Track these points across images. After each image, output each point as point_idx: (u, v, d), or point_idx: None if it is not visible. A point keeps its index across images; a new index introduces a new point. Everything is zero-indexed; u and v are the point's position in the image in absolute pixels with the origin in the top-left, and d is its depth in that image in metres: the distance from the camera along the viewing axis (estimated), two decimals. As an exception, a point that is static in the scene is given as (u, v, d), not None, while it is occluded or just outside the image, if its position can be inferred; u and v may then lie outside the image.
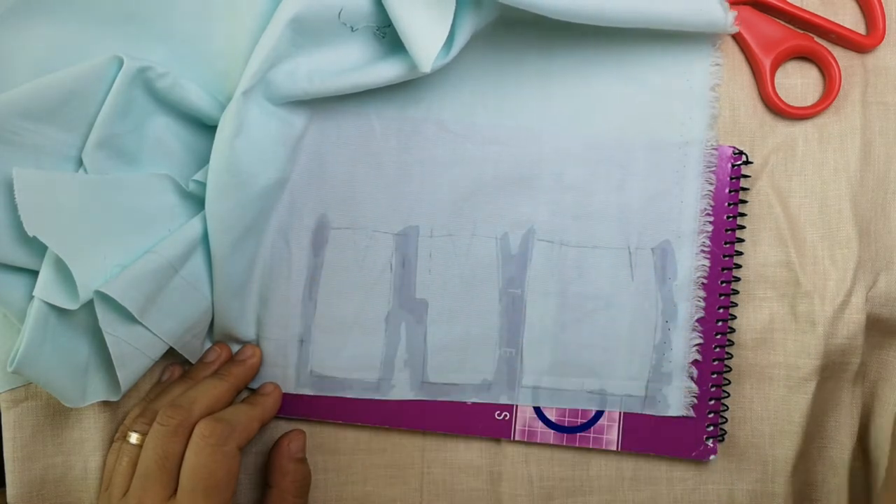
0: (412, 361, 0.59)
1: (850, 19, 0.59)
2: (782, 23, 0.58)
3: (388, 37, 0.55)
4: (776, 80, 0.59)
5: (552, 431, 0.59)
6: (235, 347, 0.59)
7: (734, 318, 0.59)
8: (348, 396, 0.59)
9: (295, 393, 0.59)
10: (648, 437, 0.59)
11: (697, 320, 0.58)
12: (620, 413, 0.59)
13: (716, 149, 0.58)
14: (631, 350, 0.58)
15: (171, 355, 0.56)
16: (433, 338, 0.59)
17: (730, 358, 0.59)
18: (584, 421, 0.59)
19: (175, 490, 0.51)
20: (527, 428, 0.59)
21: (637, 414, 0.59)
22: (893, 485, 0.53)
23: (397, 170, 0.58)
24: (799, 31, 0.59)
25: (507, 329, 0.59)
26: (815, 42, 0.58)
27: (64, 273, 0.50)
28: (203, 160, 0.54)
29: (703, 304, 0.58)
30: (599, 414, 0.59)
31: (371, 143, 0.58)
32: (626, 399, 0.59)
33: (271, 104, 0.54)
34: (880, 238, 0.59)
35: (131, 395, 0.59)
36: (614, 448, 0.59)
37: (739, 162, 0.58)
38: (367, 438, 0.60)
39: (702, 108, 0.58)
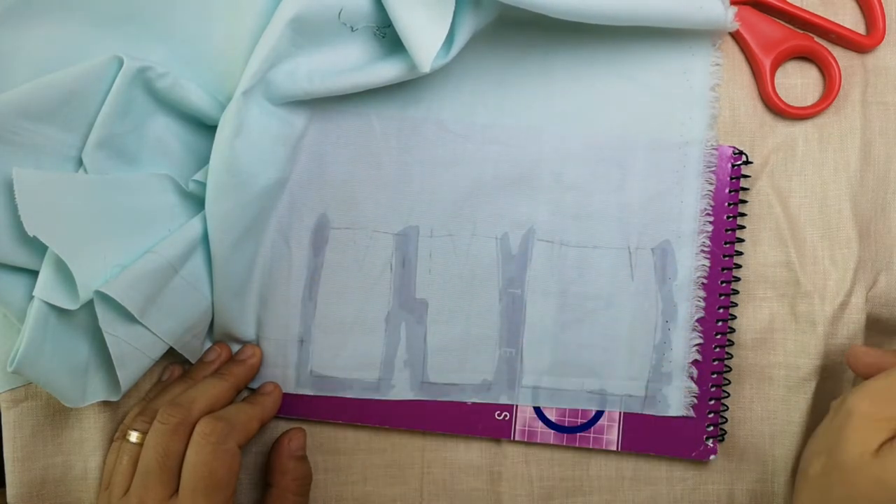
0: (412, 361, 0.59)
1: (850, 19, 0.59)
2: (782, 23, 0.58)
3: (388, 37, 0.55)
4: (776, 80, 0.59)
5: (552, 431, 0.59)
6: (235, 347, 0.59)
7: (734, 318, 0.59)
8: (348, 396, 0.59)
9: (295, 393, 0.59)
10: (648, 437, 0.59)
11: (697, 320, 0.58)
12: (620, 413, 0.59)
13: (716, 149, 0.58)
14: (631, 350, 0.58)
15: (171, 355, 0.56)
16: (433, 338, 0.59)
17: (730, 358, 0.59)
18: (584, 421, 0.59)
19: (176, 489, 0.51)
20: (527, 428, 0.59)
21: (637, 414, 0.59)
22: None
23: (397, 170, 0.58)
24: (799, 31, 0.59)
25: (507, 329, 0.59)
26: (815, 42, 0.58)
27: (64, 273, 0.50)
28: (203, 160, 0.54)
29: (703, 304, 0.58)
30: (599, 414, 0.59)
31: (371, 143, 0.58)
32: (626, 399, 0.59)
33: (271, 104, 0.54)
34: (880, 238, 0.59)
35: (131, 395, 0.59)
36: (614, 448, 0.59)
37: (739, 162, 0.58)
38: (367, 438, 0.60)
39: (702, 108, 0.58)
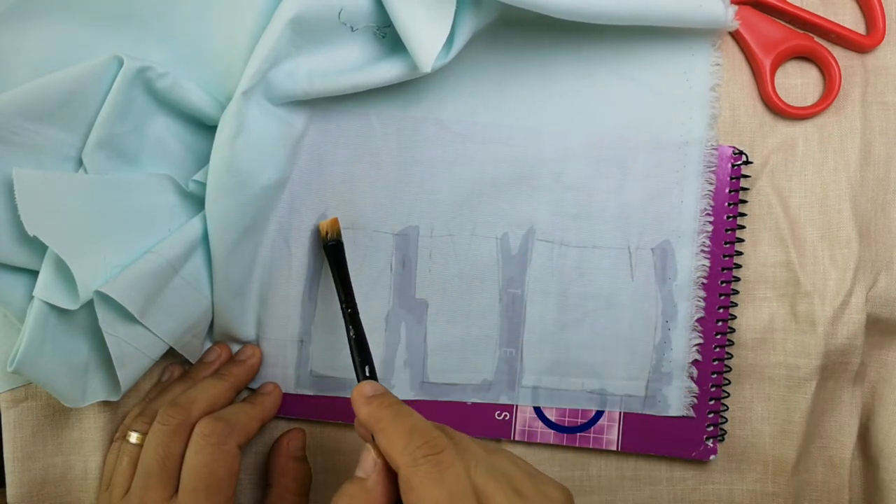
0: (412, 361, 0.59)
1: (850, 19, 0.59)
2: (782, 23, 0.58)
3: (389, 37, 0.55)
4: (776, 80, 0.59)
5: (552, 431, 0.59)
6: (235, 347, 0.59)
7: (734, 318, 0.59)
8: (348, 396, 0.59)
9: (295, 393, 0.59)
10: (648, 437, 0.59)
11: (697, 320, 0.58)
12: (620, 413, 0.59)
13: (716, 149, 0.58)
14: (631, 350, 0.58)
15: (171, 355, 0.56)
16: (433, 338, 0.59)
17: (730, 358, 0.59)
18: (584, 421, 0.59)
19: (176, 489, 0.51)
20: (527, 428, 0.59)
21: (637, 414, 0.59)
22: None
23: (397, 170, 0.58)
24: (799, 31, 0.59)
25: (507, 329, 0.59)
26: (815, 42, 0.58)
27: (64, 273, 0.50)
28: (203, 160, 0.54)
29: (703, 304, 0.58)
30: (599, 414, 0.59)
31: (371, 143, 0.58)
32: (626, 399, 0.59)
33: (271, 104, 0.54)
34: (880, 238, 0.59)
35: (131, 395, 0.59)
36: (614, 448, 0.59)
37: (739, 162, 0.58)
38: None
39: (702, 108, 0.58)
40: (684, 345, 0.58)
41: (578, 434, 0.59)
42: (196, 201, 0.55)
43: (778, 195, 0.59)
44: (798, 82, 0.59)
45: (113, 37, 0.54)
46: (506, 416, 0.59)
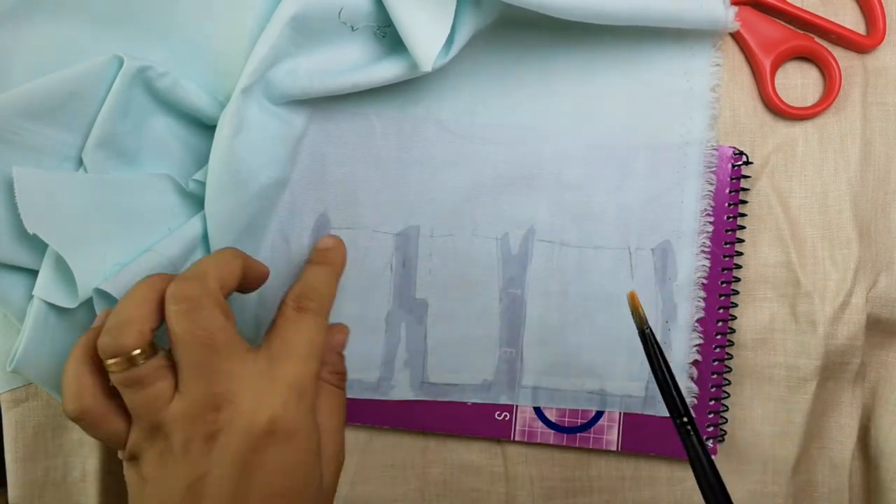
0: (412, 361, 0.59)
1: (850, 19, 0.59)
2: (782, 23, 0.58)
3: (389, 36, 0.55)
4: (776, 81, 0.59)
5: (552, 432, 0.59)
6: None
7: (734, 318, 0.59)
8: (348, 397, 0.59)
9: None
10: (648, 437, 0.59)
11: (697, 320, 0.58)
12: (620, 413, 0.59)
13: (716, 149, 0.58)
14: (631, 350, 0.58)
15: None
16: (433, 338, 0.59)
17: (730, 358, 0.59)
18: (584, 421, 0.59)
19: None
20: (527, 428, 0.59)
21: (637, 414, 0.59)
22: None
23: (397, 170, 0.58)
24: (799, 31, 0.59)
25: (507, 329, 0.59)
26: (815, 42, 0.58)
27: (63, 272, 0.50)
28: (203, 160, 0.54)
29: (702, 304, 0.58)
30: (599, 414, 0.59)
31: (371, 142, 0.58)
32: (626, 399, 0.59)
33: (271, 103, 0.54)
34: (880, 238, 0.59)
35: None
36: (614, 448, 0.59)
37: (740, 162, 0.58)
38: (367, 438, 0.61)
39: (702, 109, 0.58)
40: (684, 345, 0.58)
41: (578, 434, 0.59)
42: (196, 201, 0.55)
43: (778, 195, 0.59)
44: (798, 82, 0.59)
45: (113, 37, 0.54)
46: (506, 416, 0.59)
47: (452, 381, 0.59)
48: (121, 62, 0.51)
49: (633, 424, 0.59)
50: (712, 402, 0.58)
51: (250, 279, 0.50)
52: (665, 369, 0.47)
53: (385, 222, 0.59)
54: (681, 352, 0.58)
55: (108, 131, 0.52)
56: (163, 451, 0.44)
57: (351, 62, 0.55)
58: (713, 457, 0.58)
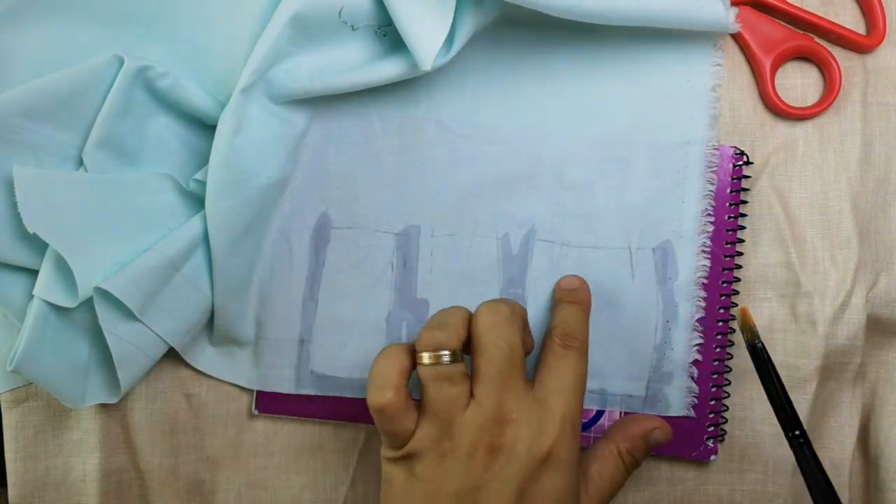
0: None
1: (850, 19, 0.59)
2: (782, 23, 0.58)
3: (389, 36, 0.55)
4: (776, 81, 0.59)
5: (553, 431, 0.59)
6: (234, 348, 0.59)
7: (734, 318, 0.59)
8: (349, 396, 0.59)
9: (295, 393, 0.59)
10: None
11: (698, 320, 0.58)
12: (621, 413, 0.59)
13: (717, 149, 0.58)
14: (631, 350, 0.58)
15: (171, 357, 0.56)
16: None
17: (730, 358, 0.59)
18: (585, 421, 0.59)
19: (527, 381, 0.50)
20: (528, 428, 0.59)
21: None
22: None
23: (398, 169, 0.58)
24: (799, 31, 0.59)
25: None
26: (815, 42, 0.58)
27: (63, 271, 0.50)
28: (204, 160, 0.54)
29: (703, 304, 0.58)
30: (600, 414, 0.59)
31: (372, 142, 0.58)
32: (626, 399, 0.59)
33: (272, 103, 0.54)
34: (881, 238, 0.59)
35: (131, 397, 0.59)
36: (614, 448, 0.59)
37: (740, 162, 0.58)
38: (366, 438, 0.61)
39: (703, 109, 0.58)
40: (685, 345, 0.58)
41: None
42: (197, 201, 0.55)
43: (778, 195, 0.59)
44: (798, 82, 0.59)
45: (113, 37, 0.54)
46: None
47: None
48: (121, 62, 0.51)
49: None
50: (713, 402, 0.58)
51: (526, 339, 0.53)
52: (778, 384, 0.49)
53: (386, 222, 0.59)
54: (681, 352, 0.58)
55: (108, 131, 0.52)
56: (445, 452, 0.47)
57: (351, 61, 0.55)
58: (714, 457, 0.58)
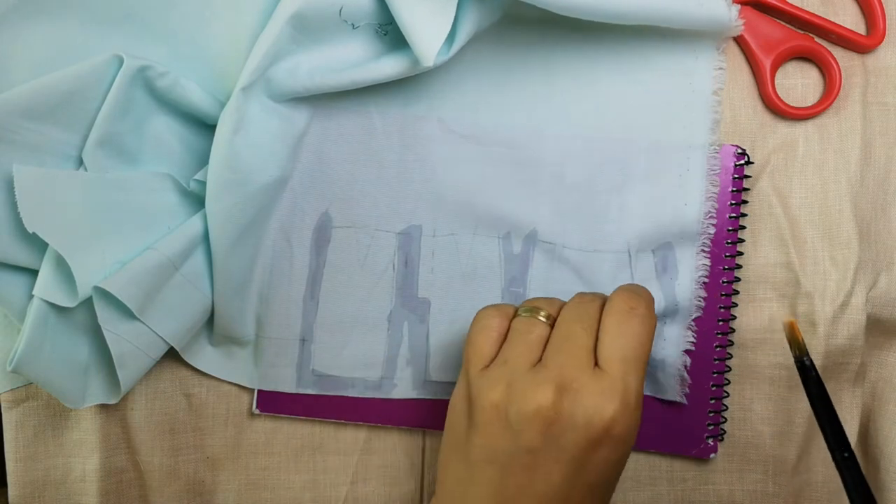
0: (414, 360, 0.59)
1: (850, 19, 0.59)
2: (782, 23, 0.58)
3: (390, 35, 0.55)
4: (776, 81, 0.59)
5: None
6: (233, 347, 0.59)
7: (734, 318, 0.59)
8: (350, 396, 0.59)
9: (296, 392, 0.59)
10: (649, 434, 0.59)
11: (695, 319, 0.58)
12: None
13: (718, 151, 0.58)
14: None
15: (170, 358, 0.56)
16: (435, 337, 0.59)
17: (730, 358, 0.59)
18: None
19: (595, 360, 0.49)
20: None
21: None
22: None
23: (399, 168, 0.58)
24: (799, 31, 0.59)
25: None
26: (815, 42, 0.58)
27: (64, 271, 0.50)
28: (204, 160, 0.54)
29: (703, 304, 0.58)
30: None
31: (373, 141, 0.58)
32: None
33: (272, 101, 0.54)
34: (881, 238, 0.59)
35: (130, 398, 0.59)
36: (615, 446, 0.59)
37: (742, 161, 0.58)
38: (366, 438, 0.61)
39: (705, 112, 0.58)
40: (678, 339, 0.58)
41: None
42: (197, 200, 0.55)
43: (778, 195, 0.59)
44: (798, 83, 0.59)
45: (113, 36, 0.54)
46: None
47: (455, 380, 0.59)
48: (121, 61, 0.51)
49: None
50: (713, 402, 0.58)
51: None
52: (827, 402, 0.48)
53: (387, 221, 0.59)
54: (674, 345, 0.58)
55: (108, 130, 0.52)
56: (499, 404, 0.47)
57: (352, 59, 0.55)
58: (713, 455, 0.58)
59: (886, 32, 0.58)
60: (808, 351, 0.49)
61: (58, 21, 0.53)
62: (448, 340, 0.59)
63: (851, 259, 0.58)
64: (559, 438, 0.46)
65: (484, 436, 0.47)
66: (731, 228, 0.58)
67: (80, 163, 0.52)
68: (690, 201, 0.58)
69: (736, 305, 0.59)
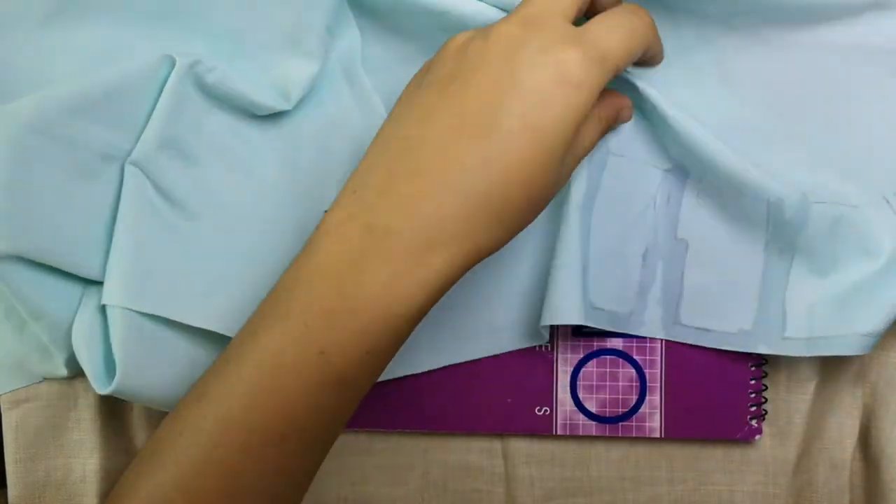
0: (666, 300, 0.57)
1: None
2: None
3: None
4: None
5: (594, 423, 0.58)
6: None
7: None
8: (598, 327, 0.56)
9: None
10: (691, 421, 0.58)
11: None
12: (661, 398, 0.58)
13: None
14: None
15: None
16: (690, 279, 0.57)
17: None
18: (626, 410, 0.58)
19: None
20: (568, 421, 0.58)
21: (678, 399, 0.58)
22: None
23: None
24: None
25: (770, 278, 0.56)
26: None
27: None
28: (260, 153, 0.55)
29: None
30: (640, 402, 0.58)
31: None
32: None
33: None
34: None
35: (130, 404, 0.59)
36: (657, 435, 0.58)
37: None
38: (367, 439, 0.61)
39: None
40: None
41: (621, 424, 0.58)
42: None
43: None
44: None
45: (154, 34, 0.54)
46: (546, 410, 0.58)
47: (706, 326, 0.57)
48: (172, 61, 0.52)
49: (675, 410, 0.58)
50: (753, 382, 0.58)
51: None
52: None
53: (652, 156, 0.56)
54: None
55: (168, 133, 0.52)
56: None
57: None
58: (759, 437, 0.58)
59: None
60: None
61: (98, 20, 0.54)
62: (703, 285, 0.57)
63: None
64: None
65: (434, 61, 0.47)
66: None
67: (121, 164, 0.52)
68: None
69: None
